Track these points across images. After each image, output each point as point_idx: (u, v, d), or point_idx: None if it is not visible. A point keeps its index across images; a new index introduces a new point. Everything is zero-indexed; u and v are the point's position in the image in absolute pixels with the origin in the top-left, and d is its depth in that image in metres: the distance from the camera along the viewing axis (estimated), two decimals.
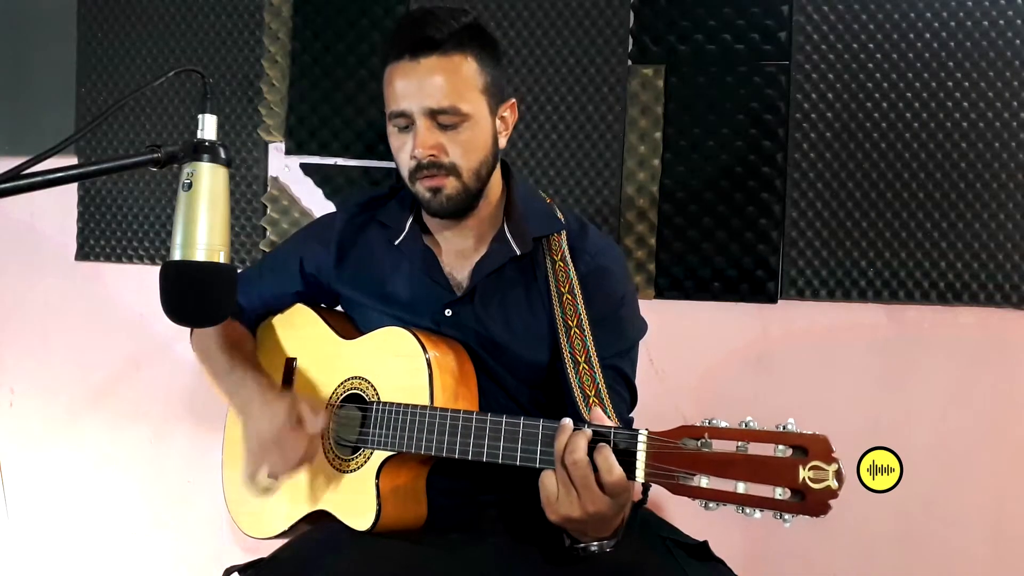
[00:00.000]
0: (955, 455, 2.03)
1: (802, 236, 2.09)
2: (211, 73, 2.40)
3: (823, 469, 1.00)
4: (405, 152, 1.37)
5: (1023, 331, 2.00)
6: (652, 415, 1.48)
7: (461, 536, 1.39)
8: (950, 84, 2.02)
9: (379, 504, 1.33)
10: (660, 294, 2.15)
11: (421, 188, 1.38)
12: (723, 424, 1.06)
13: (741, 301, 2.12)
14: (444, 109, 1.33)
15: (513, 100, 1.45)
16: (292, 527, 1.45)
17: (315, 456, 1.40)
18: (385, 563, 1.30)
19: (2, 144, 2.45)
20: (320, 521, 1.42)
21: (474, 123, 1.36)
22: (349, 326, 1.56)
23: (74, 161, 2.34)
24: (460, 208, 1.41)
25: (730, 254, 2.11)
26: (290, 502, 1.46)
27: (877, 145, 2.05)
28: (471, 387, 1.40)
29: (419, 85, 1.33)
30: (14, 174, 0.96)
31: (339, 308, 1.63)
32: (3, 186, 0.95)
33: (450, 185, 1.37)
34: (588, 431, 1.14)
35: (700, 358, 2.15)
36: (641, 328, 1.52)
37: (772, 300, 2.10)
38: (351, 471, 1.39)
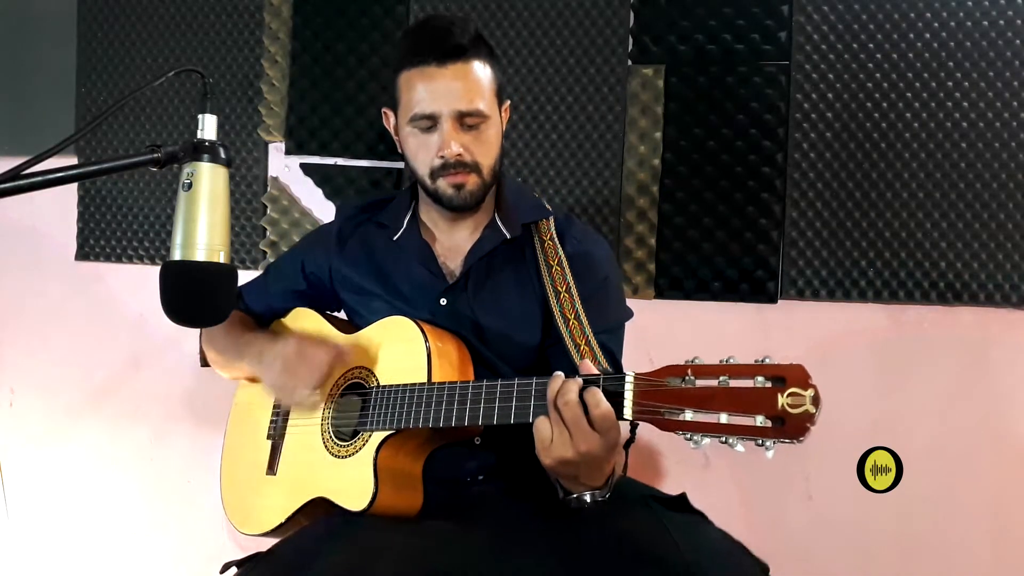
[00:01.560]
0: (955, 455, 2.03)
1: (802, 236, 2.09)
2: (211, 73, 2.40)
3: (800, 395, 1.03)
4: (428, 151, 1.44)
5: (1023, 331, 2.01)
6: None
7: (458, 526, 1.40)
8: (950, 84, 2.02)
9: (376, 482, 1.34)
10: (660, 294, 2.15)
11: (444, 184, 1.45)
12: (704, 361, 1.11)
13: (741, 301, 2.12)
14: (471, 111, 1.42)
15: (508, 102, 1.53)
16: (289, 519, 1.46)
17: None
18: (383, 554, 1.31)
19: (2, 144, 2.45)
20: (317, 514, 1.43)
21: (492, 123, 1.46)
22: (350, 326, 1.58)
23: (74, 161, 2.34)
24: (478, 202, 1.49)
25: (730, 254, 2.11)
26: (286, 494, 1.47)
27: (877, 145, 2.05)
28: (467, 374, 1.43)
29: (448, 89, 1.41)
30: (14, 174, 0.96)
31: (341, 314, 1.66)
32: (3, 186, 0.95)
33: (471, 181, 1.45)
34: (579, 379, 1.19)
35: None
36: (626, 311, 1.57)
37: (772, 300, 2.10)
38: (349, 455, 1.41)
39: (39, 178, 0.97)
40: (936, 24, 2.02)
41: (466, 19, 1.49)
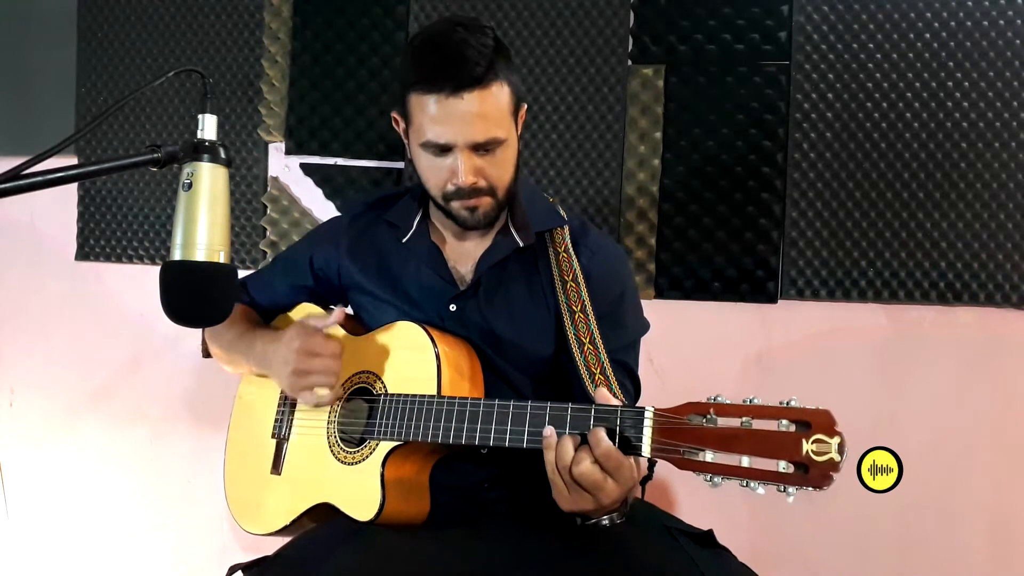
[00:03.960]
0: (955, 455, 2.03)
1: (802, 236, 2.09)
2: (211, 73, 2.40)
3: (826, 442, 1.01)
4: (441, 175, 1.39)
5: (1023, 331, 2.01)
6: None
7: (465, 532, 1.40)
8: (950, 84, 2.02)
9: (383, 493, 1.33)
10: (660, 294, 2.15)
11: (457, 206, 1.41)
12: (727, 400, 1.08)
13: (741, 301, 2.12)
14: (488, 141, 1.36)
15: (525, 104, 1.47)
16: (294, 522, 1.46)
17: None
18: (390, 559, 1.30)
19: (2, 144, 2.45)
20: (322, 517, 1.43)
21: (508, 144, 1.40)
22: (358, 324, 1.57)
23: (74, 161, 2.34)
24: (492, 222, 1.46)
25: (730, 254, 2.11)
26: (292, 496, 1.46)
27: (877, 145, 2.05)
28: (478, 383, 1.42)
29: (463, 121, 1.34)
30: (14, 174, 0.96)
31: (348, 309, 1.63)
32: (3, 186, 0.95)
33: (486, 203, 1.41)
34: (575, 436, 1.17)
35: (700, 358, 2.15)
36: (644, 324, 1.55)
37: (772, 300, 2.10)
38: (356, 463, 1.40)
39: (39, 178, 0.97)
40: (936, 24, 2.02)
41: (481, 31, 1.36)
